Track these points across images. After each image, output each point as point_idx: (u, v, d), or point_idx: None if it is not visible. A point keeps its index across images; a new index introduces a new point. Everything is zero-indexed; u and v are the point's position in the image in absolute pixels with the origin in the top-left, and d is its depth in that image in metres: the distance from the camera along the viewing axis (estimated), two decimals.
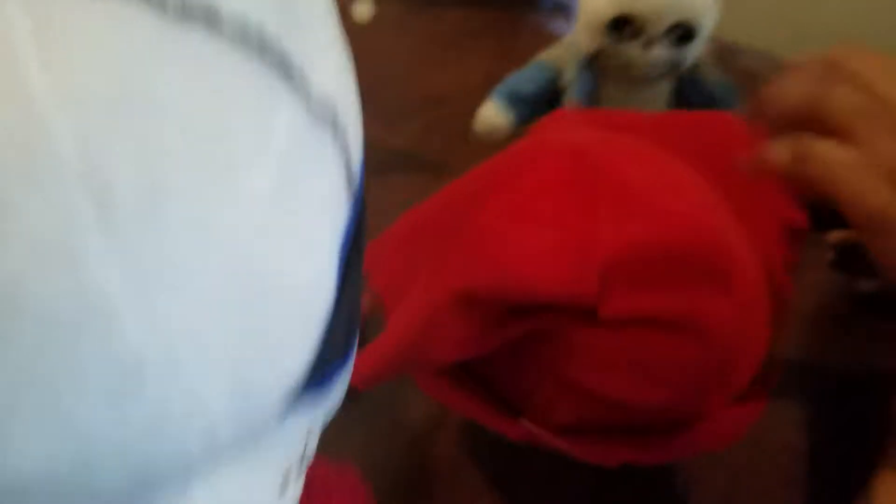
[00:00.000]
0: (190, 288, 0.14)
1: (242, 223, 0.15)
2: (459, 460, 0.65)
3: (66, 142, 0.12)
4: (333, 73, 0.18)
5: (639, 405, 0.46)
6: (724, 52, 1.05)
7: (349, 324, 0.21)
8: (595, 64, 0.81)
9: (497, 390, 0.53)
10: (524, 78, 0.87)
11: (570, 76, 0.83)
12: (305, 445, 0.22)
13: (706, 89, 0.82)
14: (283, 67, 0.15)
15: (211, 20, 0.13)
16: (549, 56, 0.87)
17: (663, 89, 0.82)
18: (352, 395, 0.26)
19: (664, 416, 0.48)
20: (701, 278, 0.44)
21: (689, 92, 0.82)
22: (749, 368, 0.49)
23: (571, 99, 0.83)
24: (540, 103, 0.88)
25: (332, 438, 0.64)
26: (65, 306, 0.13)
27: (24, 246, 0.12)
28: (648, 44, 0.76)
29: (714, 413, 0.48)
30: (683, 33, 0.75)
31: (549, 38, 0.88)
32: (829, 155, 0.42)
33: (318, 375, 0.20)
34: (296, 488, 0.23)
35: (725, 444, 0.50)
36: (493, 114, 0.87)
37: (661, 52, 0.77)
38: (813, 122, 0.44)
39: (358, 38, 1.19)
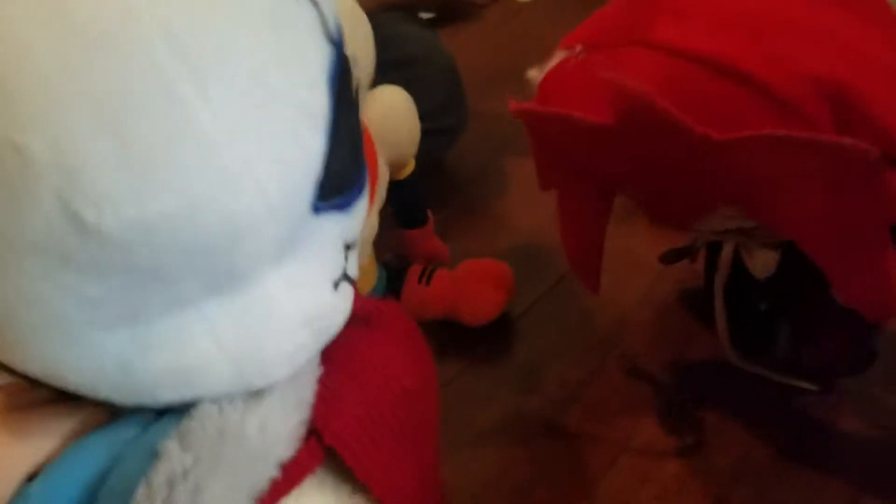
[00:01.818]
0: (231, 82, 0.23)
1: (254, 39, 0.24)
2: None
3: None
4: None
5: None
6: None
7: (354, 151, 0.29)
8: None
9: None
10: None
11: None
12: (346, 262, 0.31)
13: None
14: None
15: None
16: None
17: None
18: None
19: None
20: None
21: None
22: None
23: None
24: None
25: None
26: (161, 112, 0.22)
27: (128, 80, 0.22)
28: None
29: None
30: None
31: None
32: None
33: (336, 194, 0.28)
34: (346, 291, 0.32)
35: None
36: None
37: None
38: None
39: (518, 18, 1.24)
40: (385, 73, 0.80)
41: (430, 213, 0.81)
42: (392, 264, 0.79)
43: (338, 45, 0.27)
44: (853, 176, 0.47)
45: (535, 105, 0.58)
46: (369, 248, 0.71)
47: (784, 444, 0.66)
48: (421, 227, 0.80)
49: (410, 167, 0.75)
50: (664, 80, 0.51)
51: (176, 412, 0.29)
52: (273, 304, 0.28)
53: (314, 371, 0.32)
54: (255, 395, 0.29)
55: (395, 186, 0.74)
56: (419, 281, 0.77)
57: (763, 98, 0.48)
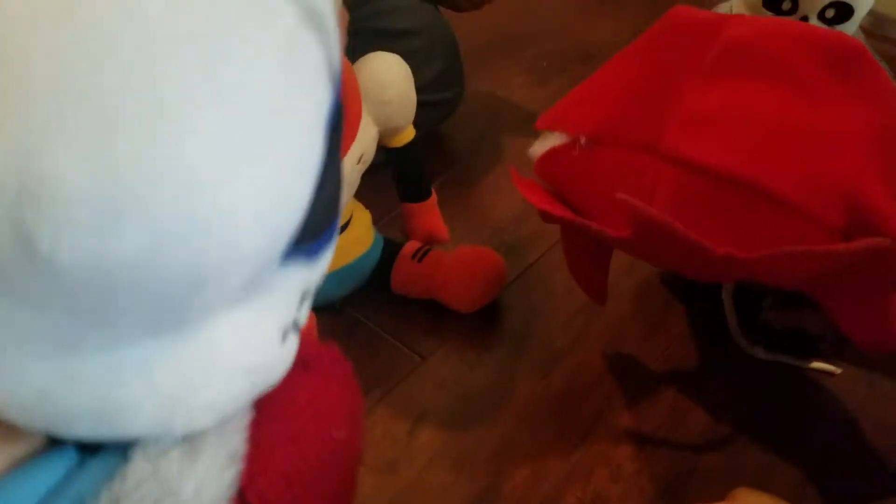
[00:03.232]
0: (235, 123, 0.21)
1: (262, 77, 0.21)
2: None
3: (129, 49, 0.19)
4: None
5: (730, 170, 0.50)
6: (880, 24, 1.03)
7: (332, 200, 0.27)
8: None
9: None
10: None
11: None
12: (298, 311, 0.29)
13: None
14: None
15: None
16: None
17: None
18: None
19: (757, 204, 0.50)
20: None
21: None
22: None
23: None
24: None
25: None
26: (148, 134, 0.19)
27: (118, 87, 0.19)
28: (803, 20, 0.77)
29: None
30: (839, 12, 0.76)
31: (702, 3, 0.89)
32: None
33: (309, 240, 0.26)
34: (292, 343, 0.30)
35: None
36: None
37: None
38: None
39: None
40: (384, 44, 0.81)
41: (433, 190, 0.80)
42: (394, 238, 0.80)
43: (338, 84, 0.25)
44: (867, 263, 0.49)
45: (550, 206, 0.59)
46: (347, 198, 0.71)
47: (751, 412, 0.70)
48: (422, 202, 0.79)
49: (409, 135, 0.74)
50: (679, 195, 0.52)
51: (106, 454, 0.27)
52: (215, 351, 0.26)
53: (243, 418, 0.30)
54: (190, 450, 0.28)
55: (394, 154, 0.75)
56: (412, 257, 0.77)
57: (779, 208, 0.49)
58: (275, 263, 0.25)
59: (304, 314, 0.30)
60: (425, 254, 0.78)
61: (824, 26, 0.78)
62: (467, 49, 0.99)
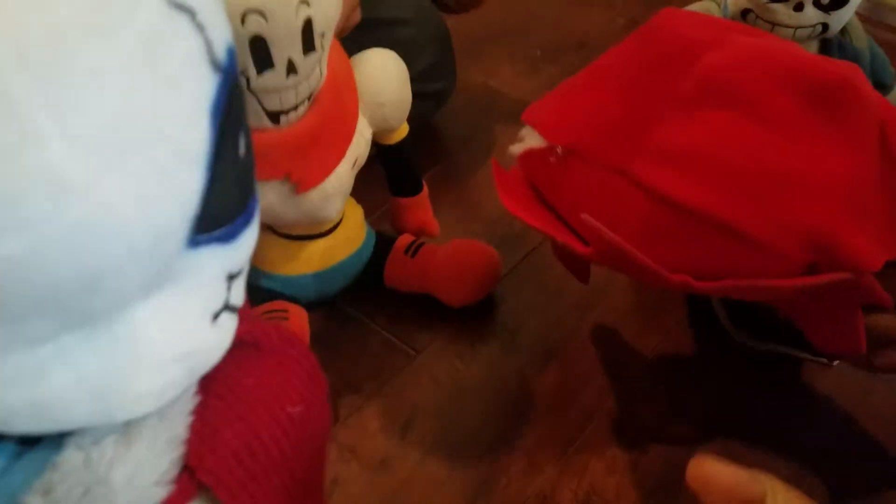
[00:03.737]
0: (94, 119, 0.20)
1: (121, 69, 0.21)
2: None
3: None
4: None
5: (699, 207, 0.51)
6: (877, 11, 1.02)
7: (240, 183, 0.27)
8: (742, 21, 0.82)
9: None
10: None
11: None
12: (228, 293, 0.29)
13: (852, 54, 0.81)
14: None
15: None
16: (697, 9, 0.88)
17: (808, 51, 0.82)
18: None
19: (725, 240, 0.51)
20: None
21: (834, 55, 0.82)
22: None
23: None
24: None
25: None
26: (11, 146, 0.19)
27: None
28: (798, 6, 0.76)
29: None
30: None
31: None
32: None
33: (220, 226, 0.26)
34: (228, 324, 0.30)
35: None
36: None
37: (810, 15, 0.77)
38: None
39: None
40: (374, 33, 0.80)
41: (424, 184, 0.79)
42: (386, 232, 0.79)
43: (226, 69, 0.25)
44: (832, 290, 0.50)
45: (524, 213, 0.59)
46: (341, 204, 0.70)
47: (747, 405, 0.70)
48: (413, 196, 0.78)
49: (403, 132, 0.74)
50: (648, 220, 0.52)
51: (44, 446, 0.27)
52: (140, 340, 0.26)
53: (189, 402, 0.30)
54: (125, 436, 0.28)
55: (387, 151, 0.74)
56: (405, 252, 0.76)
57: (745, 243, 0.50)
58: (178, 253, 0.25)
59: (236, 294, 0.30)
60: (418, 248, 0.77)
61: (821, 13, 0.77)
62: (459, 38, 0.98)
